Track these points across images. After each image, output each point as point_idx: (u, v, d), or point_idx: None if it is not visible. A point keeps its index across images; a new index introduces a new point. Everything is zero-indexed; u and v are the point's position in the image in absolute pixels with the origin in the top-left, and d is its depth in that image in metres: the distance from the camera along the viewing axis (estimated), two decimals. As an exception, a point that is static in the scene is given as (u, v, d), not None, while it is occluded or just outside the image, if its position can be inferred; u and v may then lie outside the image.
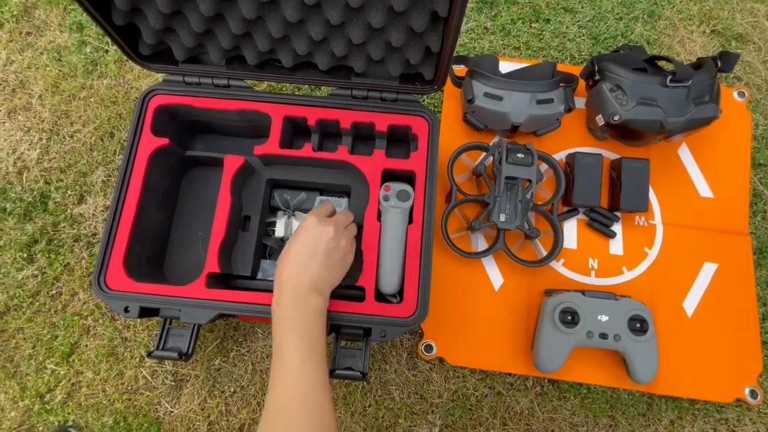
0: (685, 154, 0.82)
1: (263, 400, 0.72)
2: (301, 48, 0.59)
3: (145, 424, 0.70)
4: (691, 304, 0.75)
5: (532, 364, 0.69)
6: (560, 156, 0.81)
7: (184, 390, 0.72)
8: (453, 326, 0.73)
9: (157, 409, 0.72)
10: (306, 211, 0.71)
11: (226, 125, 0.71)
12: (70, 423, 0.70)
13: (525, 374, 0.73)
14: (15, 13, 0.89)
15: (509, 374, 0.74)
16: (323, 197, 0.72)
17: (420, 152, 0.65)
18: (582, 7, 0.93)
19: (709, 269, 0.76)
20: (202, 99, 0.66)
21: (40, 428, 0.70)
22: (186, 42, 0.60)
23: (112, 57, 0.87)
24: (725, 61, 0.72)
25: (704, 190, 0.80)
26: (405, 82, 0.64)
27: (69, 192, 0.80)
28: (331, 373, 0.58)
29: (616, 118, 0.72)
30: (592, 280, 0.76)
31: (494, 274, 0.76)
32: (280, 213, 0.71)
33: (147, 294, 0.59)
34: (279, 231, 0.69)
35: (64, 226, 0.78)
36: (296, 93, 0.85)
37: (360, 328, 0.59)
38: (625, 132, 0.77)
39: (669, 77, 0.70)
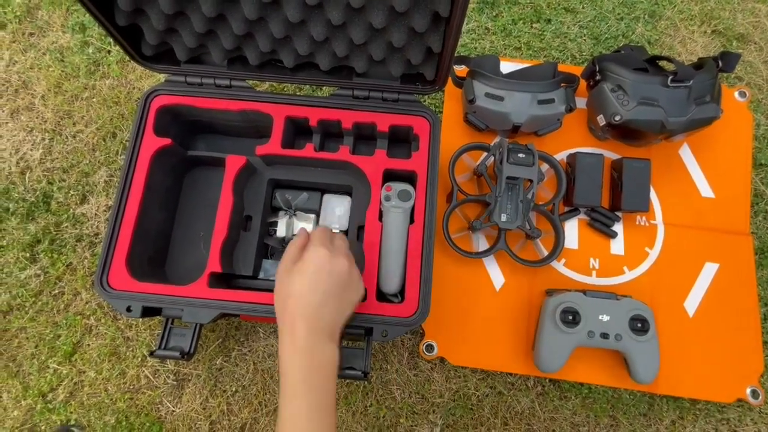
0: (686, 154, 0.82)
1: (264, 400, 0.72)
2: (303, 48, 0.60)
3: (147, 424, 0.71)
4: (692, 304, 0.75)
5: (533, 363, 0.69)
6: (561, 156, 0.81)
7: (185, 389, 0.72)
8: (454, 326, 0.74)
9: (158, 408, 0.72)
10: (307, 211, 0.71)
11: (228, 125, 0.72)
12: (72, 422, 0.71)
13: (526, 374, 0.73)
14: (18, 13, 0.89)
15: (510, 374, 0.74)
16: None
17: (421, 152, 0.65)
18: (583, 8, 0.93)
19: (710, 269, 0.76)
20: (204, 99, 0.66)
21: (43, 427, 0.71)
22: (188, 42, 0.61)
23: (114, 57, 0.87)
24: (726, 61, 0.72)
25: (705, 190, 0.80)
26: (406, 83, 0.65)
27: (71, 192, 0.80)
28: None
29: (617, 118, 0.72)
30: (593, 280, 0.76)
31: (495, 274, 0.76)
32: (281, 213, 0.71)
33: (149, 293, 0.59)
34: (280, 231, 0.69)
35: (66, 226, 0.79)
36: (298, 93, 0.85)
37: (361, 328, 0.59)
38: (626, 132, 0.77)
39: (670, 77, 0.70)
